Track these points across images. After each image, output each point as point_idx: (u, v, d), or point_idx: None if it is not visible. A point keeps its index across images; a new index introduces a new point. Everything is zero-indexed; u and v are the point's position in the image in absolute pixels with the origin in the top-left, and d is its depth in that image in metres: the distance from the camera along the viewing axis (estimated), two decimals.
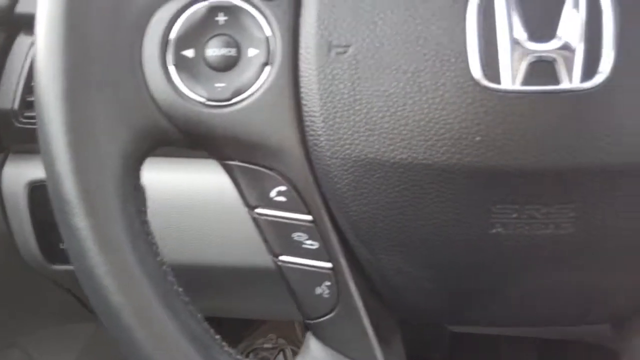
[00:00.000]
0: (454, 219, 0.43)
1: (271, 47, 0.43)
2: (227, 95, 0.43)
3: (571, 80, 0.39)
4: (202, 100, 0.43)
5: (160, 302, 0.42)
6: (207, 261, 0.69)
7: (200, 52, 0.44)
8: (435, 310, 0.51)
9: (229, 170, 0.46)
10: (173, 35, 0.43)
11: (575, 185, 0.41)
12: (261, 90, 0.43)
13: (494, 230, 0.43)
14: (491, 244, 0.43)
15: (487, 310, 0.50)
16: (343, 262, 0.46)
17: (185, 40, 0.44)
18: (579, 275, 0.46)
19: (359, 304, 0.47)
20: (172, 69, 0.44)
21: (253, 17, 0.43)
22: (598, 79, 0.39)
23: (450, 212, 0.43)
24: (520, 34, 0.39)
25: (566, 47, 0.39)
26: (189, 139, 0.45)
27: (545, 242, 0.43)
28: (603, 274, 0.46)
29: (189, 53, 0.44)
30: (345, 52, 0.42)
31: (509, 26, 0.40)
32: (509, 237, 0.43)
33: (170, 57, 0.44)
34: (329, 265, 0.46)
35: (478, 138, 0.40)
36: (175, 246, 0.65)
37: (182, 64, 0.44)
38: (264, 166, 0.45)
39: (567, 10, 0.39)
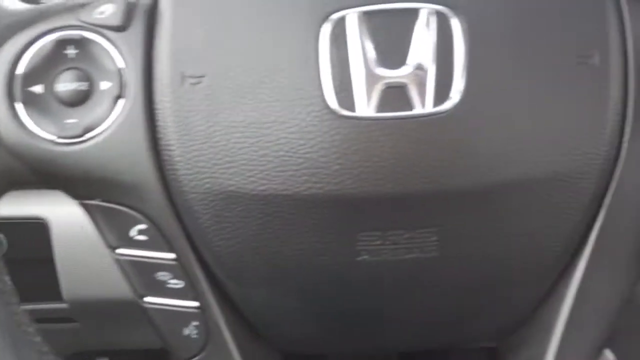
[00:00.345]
0: (319, 248, 0.42)
1: (124, 80, 0.42)
2: (78, 131, 0.41)
3: (424, 106, 0.40)
4: (52, 138, 0.41)
5: (10, 353, 0.39)
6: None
7: (49, 88, 0.42)
8: (314, 340, 0.51)
9: (87, 209, 0.44)
10: (20, 70, 0.41)
11: (434, 210, 0.41)
12: (115, 125, 0.41)
13: (360, 258, 0.42)
14: (359, 271, 0.43)
15: (367, 336, 0.50)
16: (211, 299, 0.45)
17: (33, 75, 0.42)
18: (449, 297, 0.46)
19: (231, 341, 0.46)
20: (19, 106, 0.41)
21: (104, 49, 0.42)
22: (450, 103, 0.40)
23: (316, 241, 0.42)
24: (373, 61, 0.40)
25: (418, 73, 0.40)
26: (42, 179, 0.43)
27: (411, 266, 0.43)
28: (472, 295, 0.46)
29: (38, 89, 0.42)
30: (199, 82, 0.41)
31: (362, 53, 0.40)
32: (376, 264, 0.43)
33: (17, 94, 0.41)
34: (195, 304, 0.45)
35: (336, 167, 0.40)
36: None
37: (31, 101, 0.41)
38: (121, 204, 0.43)
39: (418, 37, 0.40)
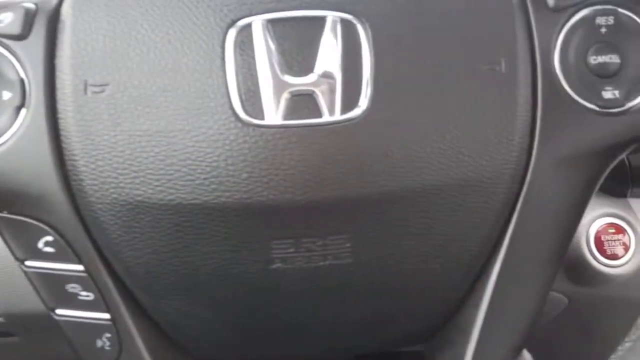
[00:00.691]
0: (232, 257, 0.42)
1: (26, 89, 0.40)
2: None
3: (332, 113, 0.39)
4: None
5: None
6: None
7: None
8: (231, 350, 0.50)
9: None
10: None
11: (345, 216, 0.41)
12: (17, 135, 0.40)
13: (274, 266, 0.42)
14: (273, 280, 0.43)
15: (286, 344, 0.49)
16: (124, 310, 0.44)
17: None
18: (366, 303, 0.46)
19: (145, 352, 0.45)
20: None
21: (5, 57, 0.41)
22: (358, 111, 0.39)
23: (228, 251, 0.41)
24: (280, 68, 0.39)
25: (325, 81, 0.39)
26: None
27: (326, 273, 0.43)
28: (389, 299, 0.46)
29: None
30: (102, 91, 0.40)
31: (269, 61, 0.39)
32: (290, 272, 0.42)
33: None
34: (107, 316, 0.44)
35: (245, 175, 0.39)
36: None
37: None
38: (28, 216, 0.42)
39: (325, 45, 0.39)
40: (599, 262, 0.72)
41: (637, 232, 0.72)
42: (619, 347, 0.44)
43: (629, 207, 0.76)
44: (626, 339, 0.44)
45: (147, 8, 0.40)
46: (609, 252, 0.73)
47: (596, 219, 0.74)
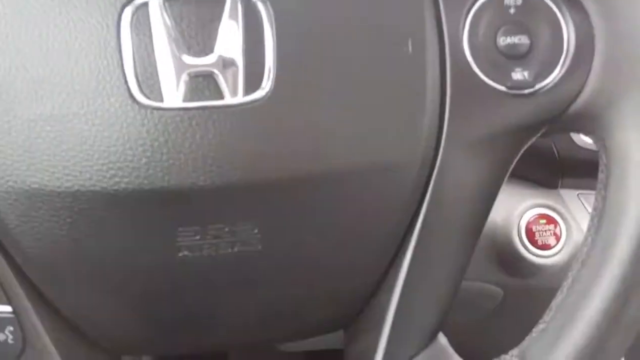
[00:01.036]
0: (136, 246, 0.40)
1: None
2: None
3: (235, 95, 0.38)
4: None
5: None
6: None
7: None
8: (144, 341, 0.49)
9: None
10: None
11: (252, 201, 0.40)
12: None
13: (180, 254, 0.41)
14: (181, 269, 0.41)
15: (200, 334, 0.48)
16: (27, 303, 0.42)
17: None
18: (280, 290, 0.45)
19: (51, 346, 0.43)
20: None
21: None
22: (261, 92, 0.38)
23: (132, 238, 0.40)
24: (179, 48, 0.38)
25: (227, 62, 0.38)
26: None
27: (235, 261, 0.42)
28: (303, 286, 0.45)
29: None
30: None
31: (167, 41, 0.38)
32: (197, 260, 0.41)
33: None
34: (9, 309, 0.42)
35: (144, 160, 0.38)
36: None
37: None
38: None
39: (225, 25, 0.38)
40: (530, 253, 0.73)
41: (568, 223, 0.73)
42: (534, 329, 0.44)
43: (560, 198, 0.77)
44: (540, 321, 0.44)
45: None
46: (540, 243, 0.74)
47: (527, 210, 0.75)
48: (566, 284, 0.43)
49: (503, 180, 0.45)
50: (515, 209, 0.74)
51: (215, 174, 0.39)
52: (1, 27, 0.38)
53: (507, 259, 0.74)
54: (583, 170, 0.73)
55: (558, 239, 0.73)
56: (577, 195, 0.77)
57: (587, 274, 0.42)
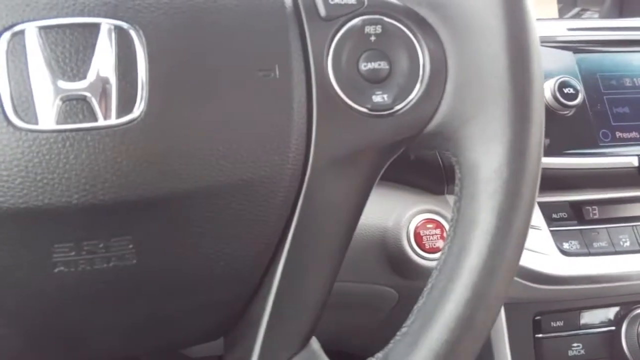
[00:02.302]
0: (13, 263, 0.42)
1: None
2: None
3: (108, 117, 0.40)
4: None
5: None
6: None
7: None
8: (22, 357, 0.49)
9: None
10: None
11: (126, 218, 0.42)
12: None
13: (56, 270, 0.42)
14: (57, 284, 0.43)
15: (79, 348, 0.49)
16: None
17: None
18: (156, 303, 0.47)
19: None
20: None
21: None
22: (133, 115, 0.40)
23: (8, 256, 0.41)
24: (53, 74, 0.40)
25: (100, 86, 0.40)
26: None
27: (111, 276, 0.43)
28: (179, 298, 0.47)
29: None
30: None
31: (43, 66, 0.39)
32: (74, 275, 0.42)
33: None
34: None
35: (19, 180, 0.40)
36: None
37: None
38: None
39: (100, 51, 0.40)
40: (419, 257, 0.77)
41: None
42: (398, 332, 0.48)
43: (446, 203, 0.82)
44: (403, 325, 0.48)
45: None
46: (428, 246, 0.78)
47: (415, 215, 0.79)
48: (426, 290, 0.47)
49: (368, 194, 0.49)
50: (404, 215, 0.78)
51: (88, 192, 0.40)
52: None
53: (398, 262, 0.78)
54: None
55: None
56: None
57: (443, 280, 0.46)
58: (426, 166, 0.80)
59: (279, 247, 0.46)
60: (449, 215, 0.76)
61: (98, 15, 0.41)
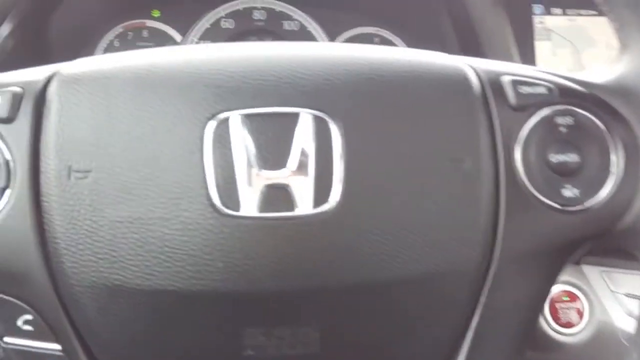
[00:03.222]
0: (205, 343, 0.43)
1: (11, 171, 0.42)
2: None
3: (305, 207, 0.41)
4: None
5: None
6: None
7: None
8: None
9: None
10: None
11: (316, 306, 0.43)
12: (1, 215, 0.42)
13: (245, 353, 0.43)
14: None
15: None
16: None
17: None
18: None
19: None
20: None
21: None
22: (329, 205, 0.41)
23: (201, 336, 0.43)
24: (256, 162, 0.41)
25: (299, 175, 0.41)
26: None
27: None
28: None
29: None
30: (85, 177, 0.41)
31: (245, 154, 0.41)
32: (261, 359, 0.44)
33: None
34: None
35: (220, 264, 0.41)
36: None
37: None
38: (8, 294, 0.43)
39: (298, 140, 0.42)
40: (553, 330, 0.75)
41: (590, 300, 0.74)
42: None
43: (582, 274, 0.79)
44: None
45: (130, 98, 0.42)
46: (563, 320, 0.75)
47: None
48: None
49: (549, 290, 0.48)
50: None
51: (284, 279, 0.41)
52: (96, 133, 0.42)
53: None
54: (605, 248, 0.74)
55: (581, 316, 0.74)
56: (600, 272, 0.78)
57: None
58: None
59: (460, 338, 0.46)
60: (585, 288, 0.74)
61: (298, 105, 0.42)
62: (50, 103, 0.43)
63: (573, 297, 0.77)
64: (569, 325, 0.75)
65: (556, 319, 0.75)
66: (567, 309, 0.76)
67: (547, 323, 0.75)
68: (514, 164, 0.45)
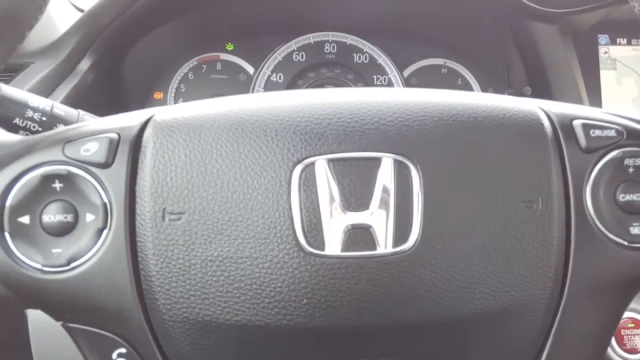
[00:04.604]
0: None
1: (108, 213, 0.44)
2: (63, 261, 0.44)
3: (385, 246, 0.43)
4: (38, 266, 0.44)
5: None
6: None
7: (36, 218, 0.44)
8: None
9: (69, 332, 0.47)
10: (8, 202, 0.44)
11: (397, 341, 0.45)
12: (98, 255, 0.44)
13: None
14: None
15: None
16: None
17: (21, 206, 0.44)
18: None
19: None
20: (7, 236, 0.44)
21: (89, 183, 0.45)
22: (408, 244, 0.43)
23: None
24: (340, 204, 0.43)
25: (380, 217, 0.43)
26: (27, 302, 0.45)
27: None
28: None
29: (25, 219, 0.44)
30: (179, 219, 0.44)
31: (330, 196, 0.43)
32: None
33: (5, 224, 0.44)
34: None
35: (305, 300, 0.43)
36: None
37: (18, 231, 0.44)
38: (104, 329, 0.46)
39: (380, 183, 0.44)
40: (618, 356, 0.75)
41: None
42: None
43: None
44: None
45: (222, 144, 0.44)
46: (628, 346, 0.76)
47: None
48: None
49: (617, 324, 0.49)
50: None
51: (365, 315, 0.43)
52: (189, 176, 0.44)
53: None
54: None
55: None
56: None
57: None
58: None
59: None
60: None
61: (380, 150, 0.44)
62: (145, 148, 0.45)
63: (638, 324, 0.77)
64: (634, 351, 0.75)
65: (621, 344, 0.75)
66: (632, 335, 0.76)
67: (612, 349, 0.75)
68: (584, 204, 0.46)
